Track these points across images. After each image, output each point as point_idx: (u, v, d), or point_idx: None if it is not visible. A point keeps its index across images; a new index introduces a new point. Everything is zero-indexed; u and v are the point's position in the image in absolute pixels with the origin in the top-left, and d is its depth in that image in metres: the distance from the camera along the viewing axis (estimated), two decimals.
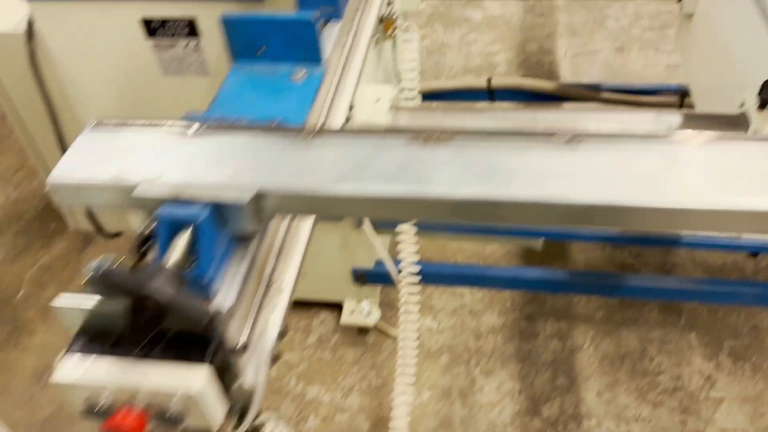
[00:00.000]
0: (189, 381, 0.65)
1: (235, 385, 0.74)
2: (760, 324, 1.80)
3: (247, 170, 0.70)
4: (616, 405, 1.66)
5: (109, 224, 1.75)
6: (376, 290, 1.87)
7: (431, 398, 1.72)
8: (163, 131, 0.76)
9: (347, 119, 1.09)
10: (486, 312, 1.90)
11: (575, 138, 0.69)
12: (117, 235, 1.79)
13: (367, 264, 1.76)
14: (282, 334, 0.85)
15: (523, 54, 2.83)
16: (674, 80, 2.46)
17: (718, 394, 1.66)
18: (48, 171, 1.70)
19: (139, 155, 0.73)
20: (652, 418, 1.63)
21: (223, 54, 1.33)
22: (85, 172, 0.71)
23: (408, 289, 1.48)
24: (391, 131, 0.73)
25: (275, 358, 0.82)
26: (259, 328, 0.78)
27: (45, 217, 2.36)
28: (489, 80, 2.22)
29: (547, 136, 0.70)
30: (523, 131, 0.71)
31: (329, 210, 0.69)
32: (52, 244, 2.26)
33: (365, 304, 1.85)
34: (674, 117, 1.33)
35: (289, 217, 0.91)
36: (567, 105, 2.17)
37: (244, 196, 0.67)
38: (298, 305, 1.92)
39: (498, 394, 1.71)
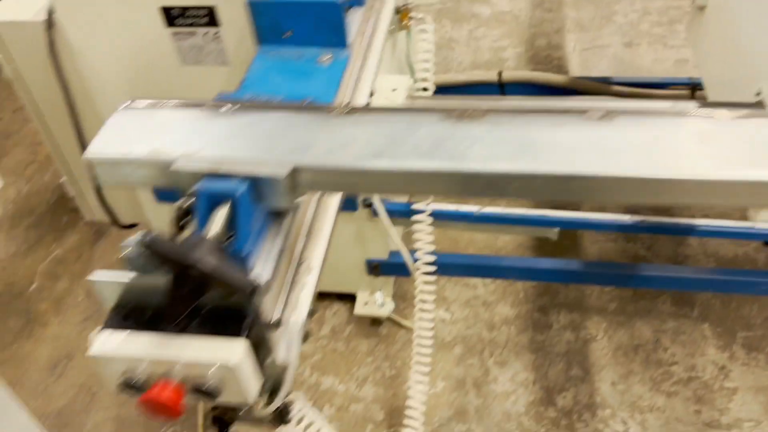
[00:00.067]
0: (227, 353, 0.66)
1: (269, 361, 0.75)
2: None
3: (282, 146, 0.71)
4: (630, 395, 1.66)
5: (124, 216, 1.76)
6: (390, 282, 1.88)
7: (445, 388, 1.72)
8: (195, 110, 0.77)
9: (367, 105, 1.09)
10: (499, 303, 1.90)
11: (608, 114, 0.69)
12: (132, 226, 1.79)
13: (381, 255, 1.77)
14: (311, 313, 0.86)
15: (531, 49, 2.84)
16: (684, 74, 2.47)
17: (733, 384, 1.67)
18: (64, 162, 1.72)
19: (173, 133, 0.74)
20: (667, 408, 1.63)
21: (242, 43, 1.34)
22: (122, 148, 0.72)
23: (424, 278, 1.48)
24: (423, 109, 0.74)
25: (305, 337, 0.83)
26: (290, 306, 0.79)
27: (57, 210, 2.37)
28: (500, 74, 2.22)
29: (579, 112, 0.70)
30: (556, 108, 0.71)
31: (364, 186, 0.69)
32: (64, 237, 2.26)
33: (379, 296, 1.85)
34: (690, 105, 1.34)
35: (316, 200, 0.92)
36: (579, 98, 2.18)
37: (282, 170, 0.67)
38: None
39: (512, 384, 1.72)
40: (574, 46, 2.83)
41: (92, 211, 1.82)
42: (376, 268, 1.78)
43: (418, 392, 1.49)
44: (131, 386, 0.68)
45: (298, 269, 0.82)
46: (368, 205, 1.65)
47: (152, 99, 0.79)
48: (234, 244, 0.67)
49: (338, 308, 1.93)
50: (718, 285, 1.62)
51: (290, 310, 0.78)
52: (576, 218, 1.59)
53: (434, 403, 1.68)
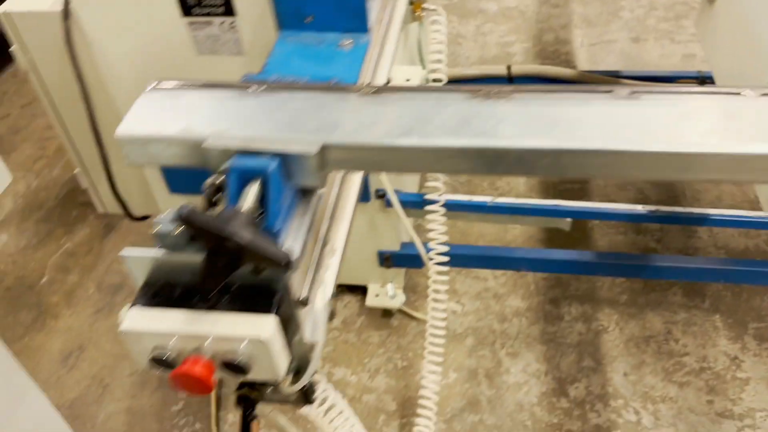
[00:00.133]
0: (258, 328, 0.66)
1: (296, 338, 0.76)
2: None
3: (310, 125, 0.71)
4: (642, 385, 1.67)
5: (136, 207, 1.76)
6: (401, 273, 1.88)
7: (458, 379, 1.73)
8: (222, 91, 0.78)
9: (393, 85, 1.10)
10: (510, 296, 1.91)
11: (635, 93, 0.70)
12: (144, 218, 1.79)
13: (393, 246, 1.77)
14: (335, 294, 0.86)
15: (539, 44, 2.84)
16: (692, 69, 2.47)
17: (745, 374, 1.67)
18: (77, 153, 1.73)
19: (202, 112, 0.74)
20: (679, 398, 1.64)
21: (258, 33, 1.35)
22: (152, 127, 0.72)
23: (437, 268, 1.49)
24: (449, 89, 0.74)
25: (330, 316, 0.83)
26: (316, 286, 0.80)
27: (66, 204, 2.38)
28: (509, 68, 2.23)
29: (606, 91, 0.71)
30: (582, 87, 0.72)
31: (393, 163, 0.70)
32: (74, 231, 2.27)
33: (390, 287, 1.86)
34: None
35: (338, 183, 0.92)
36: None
37: (312, 147, 0.68)
38: None
39: (524, 375, 1.72)
40: (582, 42, 2.84)
41: (104, 203, 1.82)
42: (387, 260, 1.79)
43: (431, 382, 1.49)
44: (162, 362, 0.69)
45: (322, 250, 0.82)
46: (381, 195, 1.65)
47: (179, 80, 0.80)
48: (264, 221, 0.67)
49: (349, 300, 1.93)
50: (729, 275, 1.62)
51: (316, 290, 0.79)
52: (588, 208, 1.59)
53: (446, 393, 1.69)
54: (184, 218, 0.58)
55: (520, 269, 1.85)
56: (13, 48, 1.50)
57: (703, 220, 1.54)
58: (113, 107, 1.55)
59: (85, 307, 2.02)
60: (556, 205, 1.55)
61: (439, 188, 1.49)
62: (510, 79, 2.21)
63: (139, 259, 0.70)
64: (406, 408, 1.68)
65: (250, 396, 0.82)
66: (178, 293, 0.71)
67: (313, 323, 0.78)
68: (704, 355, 1.72)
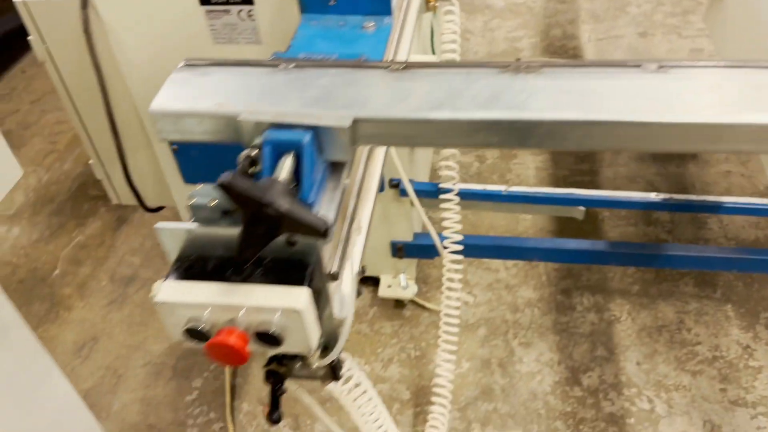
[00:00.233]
0: (292, 299, 0.67)
1: (326, 313, 0.76)
2: None
3: (341, 100, 0.72)
4: (655, 374, 1.67)
5: (151, 199, 1.77)
6: (413, 264, 1.89)
7: (471, 369, 1.73)
8: (253, 68, 0.78)
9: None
10: (521, 286, 1.92)
11: (663, 67, 0.71)
12: (158, 209, 1.80)
13: (406, 237, 1.78)
14: (361, 272, 0.87)
15: (547, 39, 2.85)
16: None
17: (757, 363, 1.68)
18: (92, 144, 1.73)
19: (233, 88, 0.75)
20: (692, 386, 1.64)
21: (275, 21, 1.36)
22: (185, 102, 0.73)
23: (451, 256, 1.49)
24: (478, 63, 0.75)
25: (357, 294, 0.84)
26: (344, 262, 0.80)
27: (78, 198, 2.39)
28: (517, 61, 2.24)
29: (634, 66, 0.72)
30: (610, 62, 0.72)
31: (424, 137, 0.71)
32: (86, 224, 2.28)
33: (402, 278, 1.86)
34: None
35: (364, 161, 0.93)
36: None
37: (345, 121, 0.69)
38: None
39: (537, 364, 1.73)
40: (589, 37, 2.85)
41: (119, 194, 1.83)
42: (400, 250, 1.80)
43: (445, 370, 1.50)
44: (196, 333, 0.69)
45: (350, 227, 0.83)
46: (395, 185, 1.66)
47: (209, 59, 0.80)
48: (299, 192, 0.68)
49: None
50: (741, 264, 1.63)
51: (344, 266, 0.79)
52: (602, 197, 1.60)
53: (460, 382, 1.70)
54: (226, 185, 0.58)
55: (533, 259, 1.86)
56: (31, 38, 1.51)
57: (717, 208, 1.54)
58: (129, 98, 1.55)
59: (98, 298, 2.03)
60: (569, 194, 1.56)
61: (453, 177, 1.50)
62: None
63: (173, 231, 0.71)
64: (420, 397, 1.69)
65: (278, 371, 0.83)
66: (212, 266, 0.72)
67: (342, 299, 0.79)
68: (717, 344, 1.73)
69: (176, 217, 1.88)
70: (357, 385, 0.92)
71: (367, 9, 0.99)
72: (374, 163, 0.94)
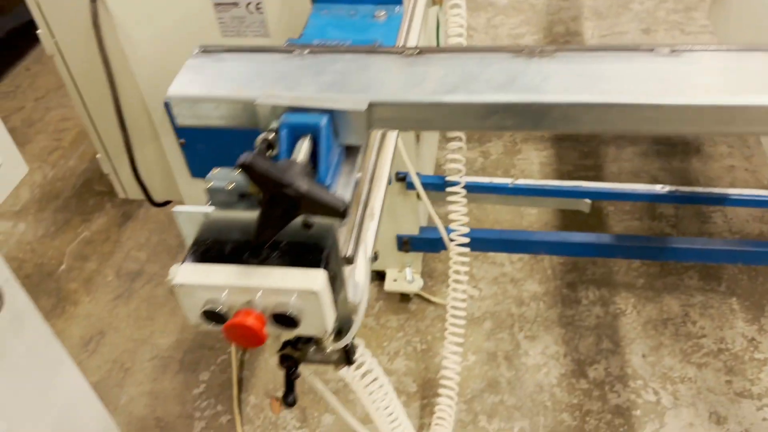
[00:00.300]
0: (309, 281, 0.68)
1: (341, 296, 0.77)
2: None
3: (356, 84, 0.73)
4: (661, 367, 1.68)
5: (158, 193, 1.78)
6: (419, 258, 1.90)
7: (477, 361, 1.74)
8: (268, 54, 0.79)
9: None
10: (527, 280, 1.92)
11: (676, 51, 0.71)
12: (165, 203, 1.81)
13: (412, 231, 1.79)
14: (373, 258, 0.88)
15: (549, 36, 2.86)
16: None
17: (762, 355, 1.68)
18: (100, 138, 1.74)
19: (249, 74, 0.76)
20: (698, 378, 1.65)
21: (283, 14, 1.36)
22: (202, 88, 0.74)
23: (458, 248, 1.50)
24: (492, 48, 0.76)
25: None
26: (359, 246, 0.81)
27: (83, 194, 2.39)
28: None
29: (647, 50, 0.72)
30: (624, 46, 0.73)
31: (439, 121, 0.71)
32: (91, 220, 2.29)
33: (408, 272, 1.87)
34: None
35: (376, 148, 0.94)
36: None
37: (361, 105, 0.69)
38: None
39: (543, 357, 1.73)
40: (592, 33, 2.85)
41: (125, 188, 1.84)
42: (406, 244, 1.80)
43: (452, 362, 1.50)
44: (214, 315, 0.70)
45: (364, 213, 0.84)
46: (401, 178, 1.67)
47: (224, 45, 0.81)
48: (316, 175, 0.69)
49: None
50: (746, 257, 1.63)
51: (359, 250, 0.80)
52: (608, 189, 1.61)
53: (466, 375, 1.70)
54: (247, 165, 0.59)
55: (539, 252, 1.87)
56: (40, 31, 1.52)
57: (722, 200, 1.55)
58: (137, 91, 1.56)
59: (104, 293, 2.03)
60: (576, 186, 1.57)
61: (460, 170, 1.51)
62: None
63: (191, 214, 0.72)
64: (426, 389, 1.70)
65: (293, 356, 0.83)
66: (229, 250, 0.72)
67: (355, 284, 0.80)
68: (722, 336, 1.73)
69: None
70: (369, 372, 0.93)
71: None
72: (386, 152, 0.95)
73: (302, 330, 0.71)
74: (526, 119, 0.69)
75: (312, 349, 0.83)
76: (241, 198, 0.71)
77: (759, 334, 1.73)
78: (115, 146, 1.74)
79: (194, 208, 0.72)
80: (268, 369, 1.77)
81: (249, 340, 0.69)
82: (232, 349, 1.81)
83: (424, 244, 1.80)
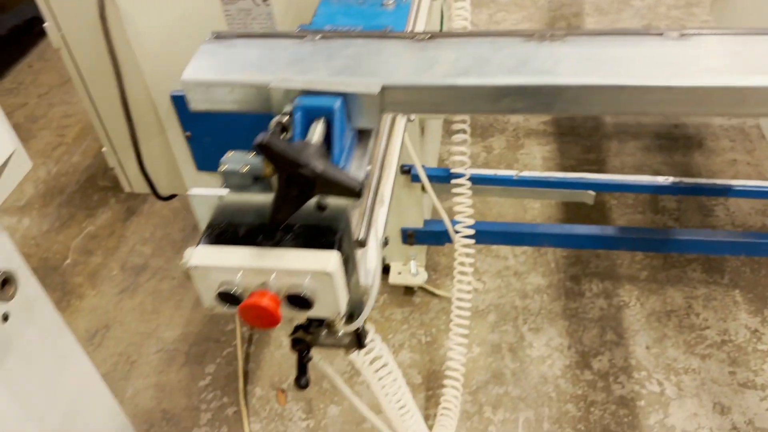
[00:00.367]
0: (322, 262, 0.68)
1: (353, 280, 0.78)
2: None
3: (368, 68, 0.74)
4: (665, 358, 1.69)
5: (163, 186, 1.78)
6: (423, 251, 1.90)
7: (481, 353, 1.75)
8: (280, 40, 0.80)
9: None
10: (530, 273, 1.93)
11: (685, 35, 0.72)
12: (170, 197, 1.81)
13: (417, 223, 1.80)
14: (384, 243, 0.88)
15: None
16: None
17: (766, 347, 1.69)
18: (106, 132, 1.75)
19: (262, 59, 0.77)
20: (702, 369, 1.66)
21: (290, 7, 1.37)
22: (215, 72, 0.74)
23: (463, 241, 1.51)
24: (503, 32, 0.76)
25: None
26: (370, 230, 0.82)
27: (87, 189, 2.40)
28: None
29: (656, 34, 0.73)
30: (633, 30, 0.74)
31: (451, 104, 0.72)
32: (95, 215, 2.29)
33: (413, 265, 1.88)
34: None
35: (386, 135, 0.94)
36: None
37: (374, 88, 0.70)
38: None
39: (547, 349, 1.74)
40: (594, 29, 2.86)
41: (131, 182, 1.84)
42: (411, 237, 1.81)
43: (458, 353, 1.51)
44: (228, 297, 0.71)
45: (374, 198, 0.84)
46: (406, 171, 1.68)
47: (236, 31, 0.82)
48: (330, 157, 0.69)
49: None
50: (749, 248, 1.64)
51: (371, 234, 0.81)
52: (612, 181, 1.61)
53: (471, 367, 1.71)
54: (264, 145, 0.60)
55: (544, 245, 1.87)
56: (46, 24, 1.52)
57: (725, 192, 1.56)
58: (143, 84, 1.57)
59: (109, 287, 2.04)
60: (579, 178, 1.57)
61: (465, 162, 1.51)
62: None
63: (205, 198, 0.73)
64: (431, 381, 1.70)
65: (304, 339, 0.84)
66: (243, 232, 0.73)
67: (365, 270, 0.80)
68: (725, 328, 1.74)
69: (188, 206, 1.89)
70: (378, 357, 0.94)
71: None
72: (395, 139, 0.96)
73: (316, 311, 0.72)
74: (537, 101, 0.70)
75: (324, 332, 0.84)
76: (255, 181, 0.72)
77: (762, 326, 1.74)
78: (121, 140, 1.75)
79: (209, 191, 0.73)
80: (274, 361, 1.77)
81: (264, 320, 0.70)
82: (238, 341, 1.82)
83: (429, 236, 1.81)
